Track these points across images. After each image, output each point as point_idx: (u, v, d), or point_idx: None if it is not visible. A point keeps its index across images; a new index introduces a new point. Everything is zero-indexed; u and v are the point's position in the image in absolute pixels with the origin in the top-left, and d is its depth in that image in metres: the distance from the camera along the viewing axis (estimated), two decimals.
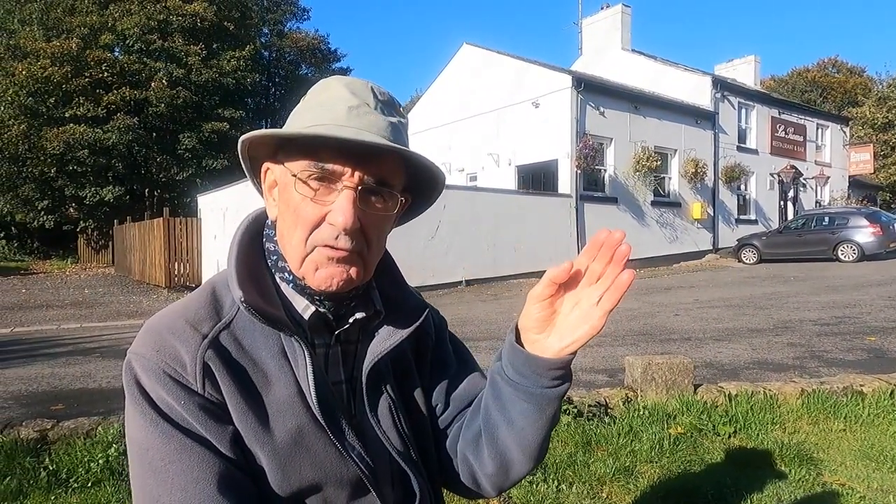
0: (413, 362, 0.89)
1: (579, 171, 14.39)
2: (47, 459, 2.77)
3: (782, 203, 20.66)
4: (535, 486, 2.57)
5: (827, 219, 15.50)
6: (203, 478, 0.68)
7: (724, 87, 18.88)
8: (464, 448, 0.86)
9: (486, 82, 16.75)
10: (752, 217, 19.68)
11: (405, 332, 0.83)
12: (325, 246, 0.72)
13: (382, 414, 0.82)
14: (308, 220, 0.72)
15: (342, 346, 0.82)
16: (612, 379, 4.43)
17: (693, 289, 10.75)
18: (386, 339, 0.82)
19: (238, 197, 12.11)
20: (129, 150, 20.19)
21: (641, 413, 3.40)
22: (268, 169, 0.79)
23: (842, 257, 14.51)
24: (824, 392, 3.66)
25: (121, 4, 21.38)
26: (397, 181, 0.76)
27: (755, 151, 19.67)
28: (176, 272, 13.15)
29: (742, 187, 19.49)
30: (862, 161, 23.94)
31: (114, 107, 20.05)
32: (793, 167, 20.13)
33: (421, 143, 17.88)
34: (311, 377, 0.74)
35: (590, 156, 14.19)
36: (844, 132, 24.27)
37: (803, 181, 21.10)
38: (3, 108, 18.99)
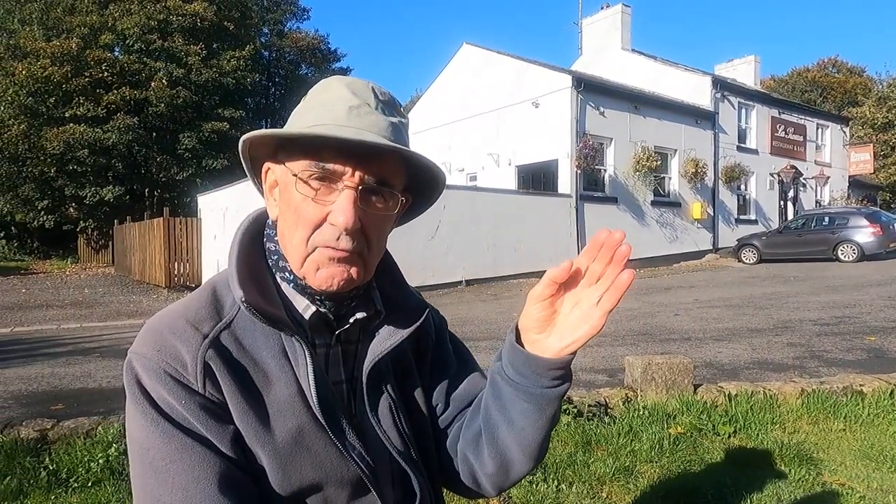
0: (413, 362, 0.90)
1: (579, 171, 14.39)
2: (47, 459, 2.77)
3: (782, 203, 20.66)
4: (535, 485, 2.57)
5: (827, 219, 15.51)
6: (204, 477, 0.68)
7: (724, 87, 18.88)
8: (464, 448, 0.86)
9: (486, 82, 16.76)
10: (752, 217, 19.68)
11: (405, 332, 0.83)
12: (327, 247, 0.72)
13: (383, 414, 0.82)
14: (309, 219, 0.72)
15: (342, 345, 0.82)
16: (612, 379, 4.43)
17: (693, 289, 10.76)
18: (386, 338, 0.82)
19: (238, 197, 12.12)
20: (129, 150, 20.18)
21: (641, 413, 3.40)
22: (268, 169, 0.79)
23: (842, 257, 14.51)
24: (824, 392, 3.66)
25: (121, 4, 21.38)
26: (398, 181, 0.76)
27: (755, 151, 19.67)
28: (176, 272, 13.15)
29: (742, 187, 19.50)
30: (862, 161, 23.94)
31: (114, 107, 20.05)
32: (793, 167, 20.13)
33: (421, 142, 17.88)
34: (311, 377, 0.74)
35: (590, 156, 14.19)
36: (844, 132, 24.28)
37: (803, 181, 21.10)
38: (3, 108, 18.99)
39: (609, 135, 15.24)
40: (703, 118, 17.77)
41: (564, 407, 3.27)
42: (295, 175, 0.72)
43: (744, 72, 24.02)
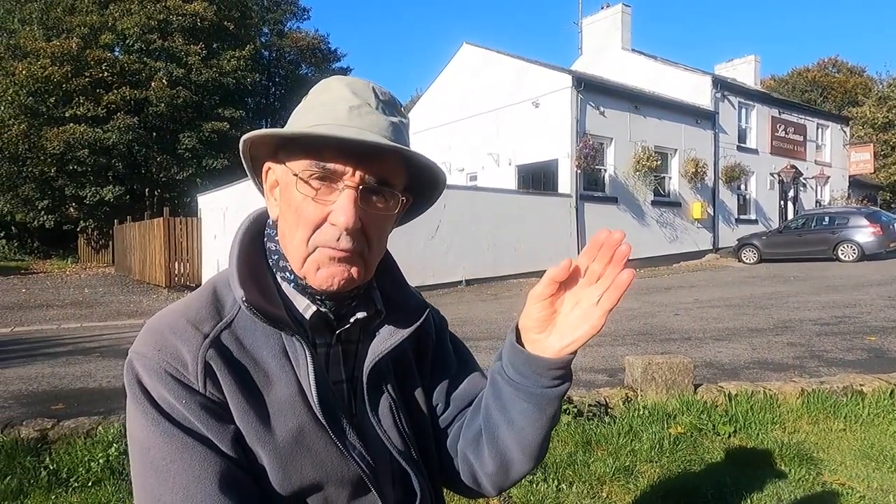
0: (414, 362, 0.90)
1: (579, 171, 14.39)
2: (48, 459, 2.77)
3: (782, 203, 20.66)
4: (535, 485, 2.58)
5: (827, 218, 15.51)
6: (204, 477, 0.68)
7: (724, 86, 18.88)
8: (464, 447, 0.86)
9: (486, 82, 16.75)
10: (753, 217, 19.68)
11: (406, 332, 0.83)
12: (327, 247, 0.72)
13: (383, 413, 0.82)
14: (310, 219, 0.72)
15: (343, 345, 0.82)
16: (612, 378, 4.43)
17: (693, 288, 10.76)
18: (387, 338, 0.82)
19: (238, 197, 12.12)
20: (130, 150, 20.19)
21: (641, 413, 3.40)
22: (269, 168, 0.79)
23: (842, 257, 14.51)
24: (824, 392, 3.66)
25: (121, 4, 21.38)
26: (398, 181, 0.76)
27: (755, 151, 19.67)
28: (176, 272, 13.16)
29: (742, 187, 19.49)
30: (862, 161, 23.94)
31: (114, 106, 20.06)
32: (793, 167, 20.13)
33: (421, 142, 17.88)
34: (312, 376, 0.74)
35: (590, 155, 14.19)
36: (844, 132, 24.27)
37: (803, 181, 21.10)
38: (3, 108, 18.99)
39: (609, 135, 15.23)
40: (704, 118, 17.77)
41: (564, 407, 3.27)
42: (295, 175, 0.72)
43: (744, 71, 24.02)
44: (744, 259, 16.07)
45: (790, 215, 19.78)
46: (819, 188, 22.19)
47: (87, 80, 19.83)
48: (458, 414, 0.91)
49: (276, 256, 0.80)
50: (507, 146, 16.07)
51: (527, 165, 16.02)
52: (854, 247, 14.38)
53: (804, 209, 19.68)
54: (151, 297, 11.88)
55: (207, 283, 0.81)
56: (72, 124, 19.20)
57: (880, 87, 34.51)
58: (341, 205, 0.71)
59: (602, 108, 15.10)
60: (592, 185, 15.31)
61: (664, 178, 16.84)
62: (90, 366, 5.28)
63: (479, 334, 6.58)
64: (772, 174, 20.11)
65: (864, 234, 14.42)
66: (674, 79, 19.02)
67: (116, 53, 21.89)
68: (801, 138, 21.52)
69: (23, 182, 20.23)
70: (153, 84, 20.43)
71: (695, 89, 18.35)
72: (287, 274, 0.78)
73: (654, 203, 16.27)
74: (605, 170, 15.43)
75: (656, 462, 2.87)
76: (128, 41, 21.20)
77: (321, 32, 33.66)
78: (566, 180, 14.66)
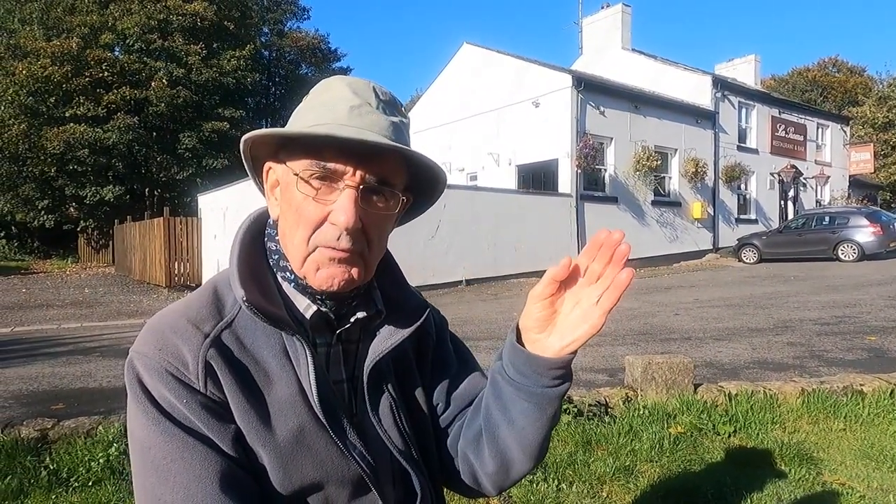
0: (414, 362, 0.90)
1: (579, 171, 14.39)
2: (48, 459, 2.78)
3: (782, 203, 20.65)
4: (535, 485, 2.58)
5: (827, 218, 15.51)
6: (205, 476, 0.68)
7: (724, 86, 18.87)
8: (464, 447, 0.86)
9: (486, 82, 16.75)
10: (753, 217, 19.68)
11: (406, 332, 0.83)
12: (327, 246, 0.72)
13: (383, 413, 0.82)
14: (310, 219, 0.72)
15: (343, 345, 0.82)
16: (613, 378, 4.43)
17: (693, 288, 10.76)
18: (387, 338, 0.82)
19: (238, 196, 12.12)
20: (130, 150, 20.18)
21: (641, 412, 3.40)
22: (270, 168, 0.79)
23: (842, 257, 14.51)
24: (824, 391, 3.66)
25: (121, 4, 21.37)
26: (399, 180, 0.76)
27: (755, 151, 19.66)
28: (176, 272, 13.16)
29: (742, 187, 19.49)
30: (862, 160, 23.94)
31: (114, 106, 20.05)
32: (793, 167, 20.13)
33: (421, 142, 17.88)
34: (312, 376, 0.74)
35: (590, 155, 14.19)
36: (845, 132, 24.27)
37: (803, 181, 21.09)
38: (3, 108, 18.99)
39: (609, 134, 15.23)
40: (704, 118, 17.76)
41: (565, 406, 3.27)
42: (296, 174, 0.72)
43: (744, 71, 24.02)
44: (744, 259, 16.07)
45: (790, 215, 19.77)
46: (819, 188, 22.19)
47: (87, 79, 19.82)
48: (459, 413, 0.91)
49: (277, 256, 0.80)
50: (507, 146, 16.07)
51: (527, 165, 16.02)
52: (854, 246, 14.38)
53: (804, 209, 19.67)
54: (151, 297, 11.88)
55: (208, 282, 0.81)
56: (72, 124, 19.20)
57: (880, 86, 34.50)
58: (342, 204, 0.71)
59: (602, 108, 15.10)
60: (592, 185, 15.31)
61: (664, 177, 16.84)
62: (90, 366, 5.28)
63: (479, 334, 6.58)
64: (772, 174, 20.11)
65: (865, 233, 14.42)
66: (674, 78, 19.02)
67: (116, 53, 21.88)
68: (801, 138, 21.52)
69: (23, 182, 20.23)
70: (153, 84, 20.42)
71: (695, 89, 18.35)
72: (287, 274, 0.78)
73: (654, 203, 16.27)
74: (606, 169, 15.43)
75: (656, 462, 2.87)
76: (128, 41, 21.19)
77: (321, 32, 33.60)
78: (566, 180, 14.66)
